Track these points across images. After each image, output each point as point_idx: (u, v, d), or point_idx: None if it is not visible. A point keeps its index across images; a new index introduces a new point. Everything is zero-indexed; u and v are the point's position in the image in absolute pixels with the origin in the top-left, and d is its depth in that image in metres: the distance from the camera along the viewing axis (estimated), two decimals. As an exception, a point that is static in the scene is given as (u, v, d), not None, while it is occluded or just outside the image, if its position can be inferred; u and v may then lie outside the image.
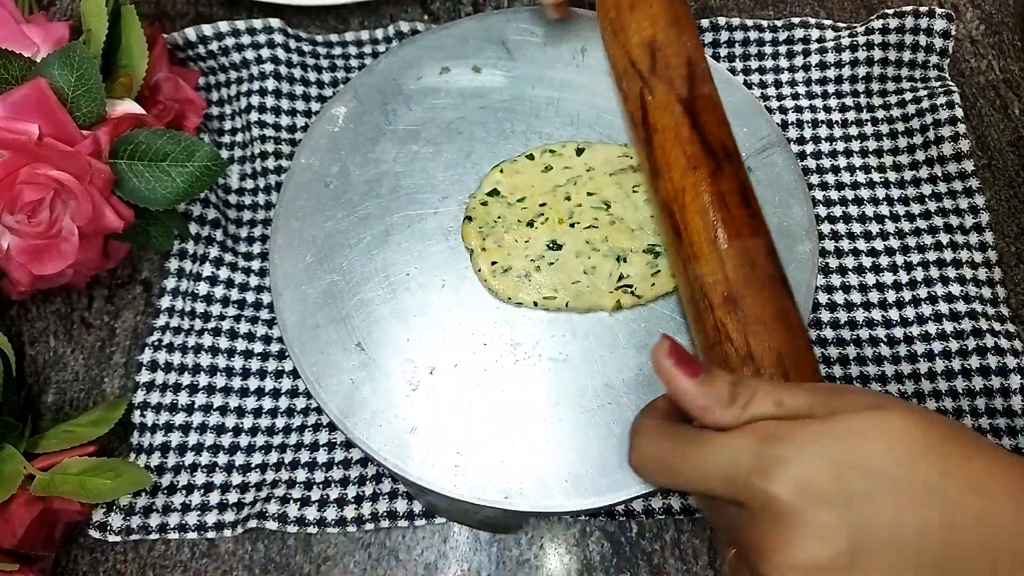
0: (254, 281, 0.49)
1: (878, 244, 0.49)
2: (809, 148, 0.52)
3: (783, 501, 0.25)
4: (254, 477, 0.44)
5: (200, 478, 0.44)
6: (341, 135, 0.44)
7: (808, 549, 0.24)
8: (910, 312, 0.47)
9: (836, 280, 0.48)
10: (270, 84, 0.52)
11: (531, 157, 0.43)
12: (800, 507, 0.25)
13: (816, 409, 0.27)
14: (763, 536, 0.25)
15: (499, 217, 0.41)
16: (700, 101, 0.36)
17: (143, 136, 0.43)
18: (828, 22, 0.55)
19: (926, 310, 0.47)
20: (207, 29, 0.53)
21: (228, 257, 0.49)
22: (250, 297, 0.49)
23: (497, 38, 0.47)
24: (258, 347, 0.48)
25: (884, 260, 0.49)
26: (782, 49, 0.55)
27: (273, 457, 0.45)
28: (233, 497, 0.44)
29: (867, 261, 0.49)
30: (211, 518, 0.43)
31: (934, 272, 0.48)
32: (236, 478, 0.44)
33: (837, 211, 0.50)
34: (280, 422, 0.46)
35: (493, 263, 0.40)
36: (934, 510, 0.25)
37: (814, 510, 0.25)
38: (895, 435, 0.26)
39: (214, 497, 0.44)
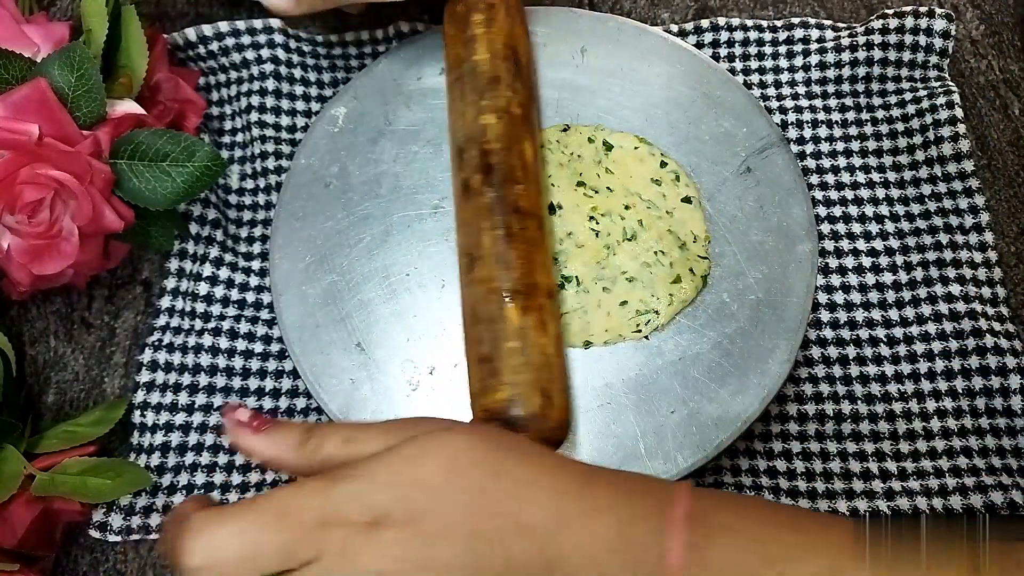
0: (254, 281, 0.49)
1: (878, 244, 0.49)
2: (809, 148, 0.52)
3: (356, 531, 0.26)
4: (254, 477, 0.44)
5: (200, 478, 0.44)
6: (341, 135, 0.44)
7: (374, 569, 0.26)
8: (910, 312, 0.47)
9: (836, 280, 0.48)
10: (270, 84, 0.52)
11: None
12: (369, 531, 0.26)
13: (389, 440, 0.28)
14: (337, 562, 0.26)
15: None
16: None
17: (143, 136, 0.43)
18: (828, 22, 0.55)
19: (926, 310, 0.47)
20: (207, 29, 0.53)
21: (228, 257, 0.49)
22: (250, 297, 0.49)
23: (497, 38, 0.47)
24: (258, 347, 0.48)
25: (884, 260, 0.49)
26: (782, 49, 0.55)
27: (273, 457, 0.45)
28: (233, 497, 0.44)
29: (867, 261, 0.49)
30: (211, 518, 0.43)
31: (934, 272, 0.48)
32: (236, 478, 0.44)
33: (837, 211, 0.50)
34: (280, 422, 0.46)
35: None
36: (478, 514, 0.26)
37: (378, 532, 0.26)
38: (453, 450, 0.27)
39: (214, 497, 0.44)
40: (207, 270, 0.48)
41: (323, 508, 0.26)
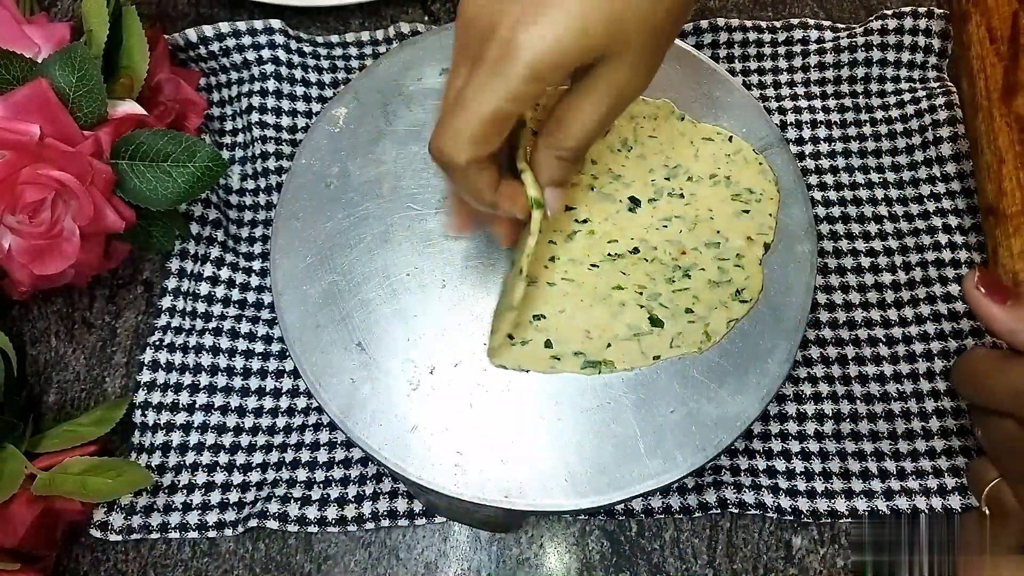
0: (255, 281, 0.49)
1: (878, 244, 0.49)
2: (809, 148, 0.52)
3: None
4: (255, 476, 0.44)
5: (201, 477, 0.44)
6: (342, 136, 0.44)
7: None
8: (909, 312, 0.47)
9: (835, 280, 0.48)
10: (271, 85, 0.53)
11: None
12: None
13: None
14: None
15: None
16: None
17: (144, 137, 0.43)
18: (827, 23, 0.55)
19: (926, 310, 0.47)
20: (208, 30, 0.53)
21: (229, 257, 0.49)
22: (251, 297, 0.49)
23: (497, 39, 0.47)
24: (259, 347, 0.48)
25: (884, 260, 0.49)
26: (782, 50, 0.55)
27: (274, 456, 0.45)
28: (234, 496, 0.44)
29: (867, 261, 0.49)
30: (212, 517, 0.43)
31: (934, 272, 0.48)
32: (237, 477, 0.44)
33: (837, 211, 0.50)
34: (281, 421, 0.46)
35: None
36: None
37: None
38: None
39: (215, 496, 0.44)
40: (208, 270, 0.49)
41: None
